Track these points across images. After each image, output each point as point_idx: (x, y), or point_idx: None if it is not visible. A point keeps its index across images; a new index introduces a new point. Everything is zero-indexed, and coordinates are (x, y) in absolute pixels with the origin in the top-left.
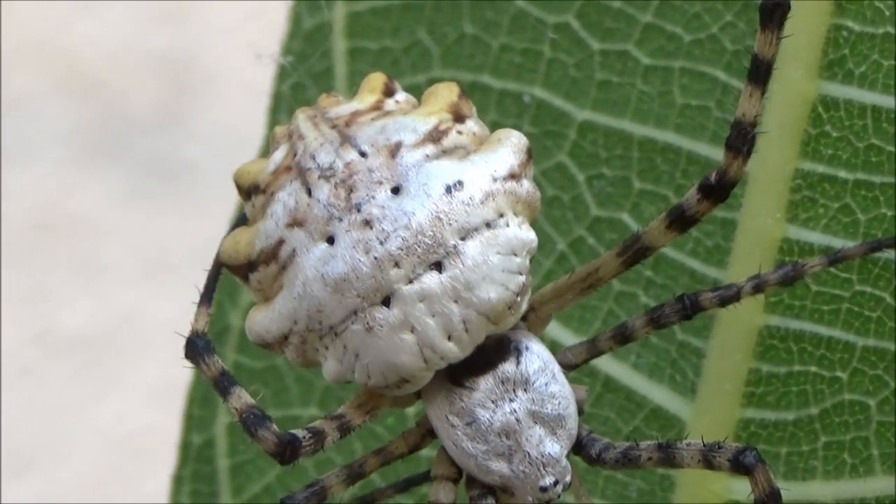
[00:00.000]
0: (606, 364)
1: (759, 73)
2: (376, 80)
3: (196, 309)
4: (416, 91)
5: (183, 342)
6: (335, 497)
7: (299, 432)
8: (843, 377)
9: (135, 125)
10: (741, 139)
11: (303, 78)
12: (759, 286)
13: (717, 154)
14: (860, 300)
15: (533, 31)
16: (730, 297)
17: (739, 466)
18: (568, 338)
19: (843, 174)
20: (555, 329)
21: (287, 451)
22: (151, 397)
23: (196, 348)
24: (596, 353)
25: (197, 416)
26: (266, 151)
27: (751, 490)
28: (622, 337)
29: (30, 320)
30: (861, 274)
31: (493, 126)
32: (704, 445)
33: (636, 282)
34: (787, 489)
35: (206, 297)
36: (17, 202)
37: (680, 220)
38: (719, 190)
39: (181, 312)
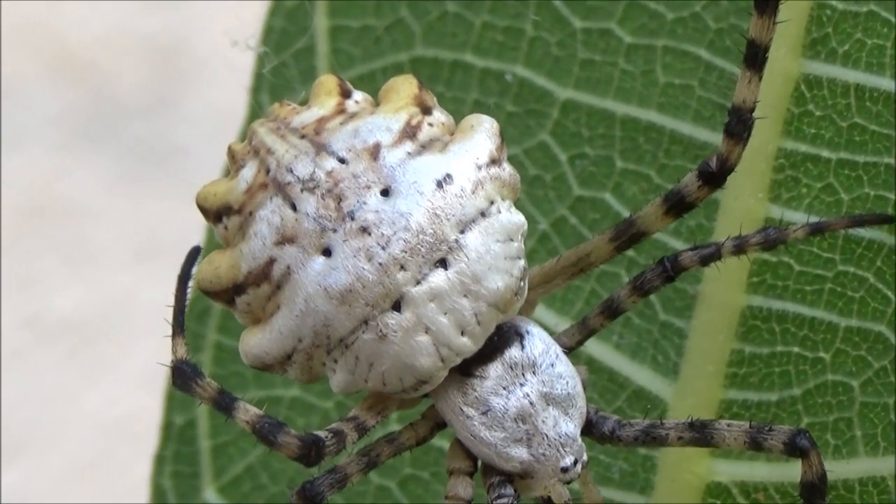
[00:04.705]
0: (589, 344)
1: (757, 58)
2: (329, 82)
3: (171, 341)
4: (395, 71)
5: (169, 368)
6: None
7: (321, 433)
8: (826, 358)
9: (125, 109)
10: (741, 126)
11: (284, 56)
12: (740, 246)
13: (700, 133)
14: (843, 280)
15: (515, 8)
16: (710, 255)
17: (794, 449)
18: (551, 318)
19: (826, 153)
20: (538, 310)
21: (312, 452)
22: (142, 381)
23: (185, 374)
24: (589, 333)
25: (179, 396)
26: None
27: (802, 472)
28: (610, 311)
29: (20, 305)
30: (844, 254)
31: (476, 105)
32: (752, 427)
33: (619, 262)
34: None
35: (178, 327)
36: (7, 187)
37: (678, 206)
38: (719, 176)
39: (172, 297)
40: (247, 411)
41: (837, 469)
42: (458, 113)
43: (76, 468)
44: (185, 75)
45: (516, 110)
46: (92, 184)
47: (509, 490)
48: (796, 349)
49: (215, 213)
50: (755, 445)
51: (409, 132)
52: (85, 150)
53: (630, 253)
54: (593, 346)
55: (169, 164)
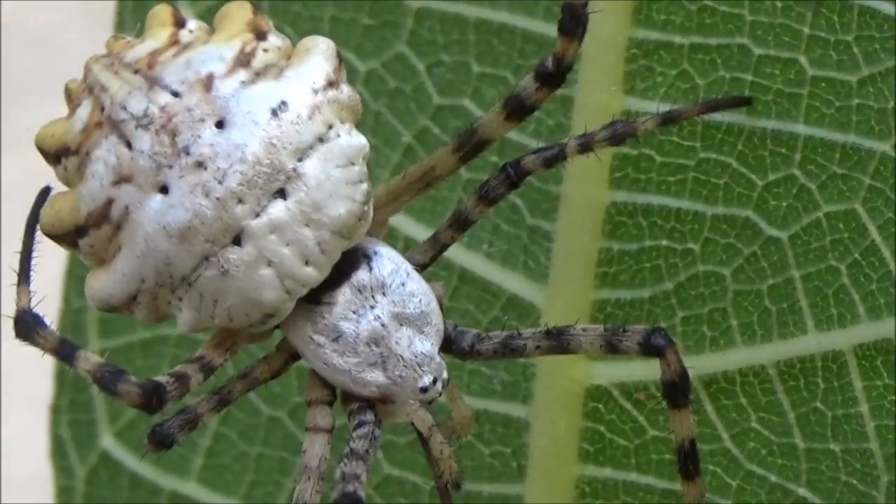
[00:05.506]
0: (460, 256)
1: None
2: (162, 13)
3: (16, 290)
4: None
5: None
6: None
7: (162, 378)
8: (695, 249)
9: None
10: (575, 22)
11: None
12: (586, 144)
13: (553, 30)
14: (706, 168)
15: None
16: (554, 156)
17: (650, 348)
18: (422, 232)
19: (678, 39)
20: (408, 225)
21: (153, 399)
22: None
23: (27, 324)
24: (442, 247)
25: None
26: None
27: (660, 371)
28: (460, 223)
29: None
30: (705, 141)
31: (333, 22)
32: (606, 329)
33: (483, 168)
34: None
35: (24, 275)
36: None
37: (519, 110)
38: (557, 75)
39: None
40: (87, 360)
41: (716, 361)
42: (317, 31)
43: None
44: None
45: (372, 23)
46: None
47: (370, 416)
48: (665, 242)
49: (54, 155)
50: (611, 348)
51: (243, 60)
52: None
53: (493, 158)
54: (464, 257)
55: None
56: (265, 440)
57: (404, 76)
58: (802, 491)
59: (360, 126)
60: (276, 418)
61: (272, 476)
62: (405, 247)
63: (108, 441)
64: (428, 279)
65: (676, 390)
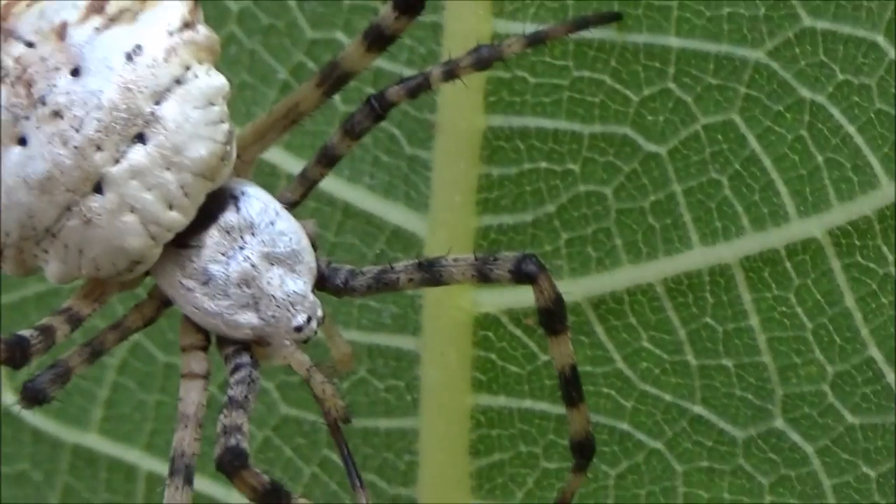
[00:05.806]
0: (343, 190)
1: None
2: None
3: None
4: None
5: None
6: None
7: (26, 332)
8: (575, 169)
9: None
10: None
11: None
12: (450, 72)
13: None
14: (580, 86)
15: None
16: (418, 85)
17: (521, 275)
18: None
19: None
20: (290, 162)
21: (17, 354)
22: None
23: None
24: (311, 184)
25: None
26: None
27: (534, 299)
28: (328, 159)
29: None
30: (577, 59)
31: None
32: (477, 259)
33: (360, 101)
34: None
35: None
36: None
37: (379, 41)
38: (415, 3)
39: None
40: None
41: (603, 282)
42: None
43: None
44: None
45: None
46: None
47: (245, 358)
48: (544, 164)
49: None
50: (483, 278)
51: (97, 6)
52: None
53: (369, 89)
54: (346, 191)
55: None
56: (163, 388)
57: (276, 12)
58: (698, 409)
59: (235, 65)
60: (172, 365)
61: (172, 423)
62: (287, 184)
63: (8, 397)
64: (309, 216)
65: (552, 317)
